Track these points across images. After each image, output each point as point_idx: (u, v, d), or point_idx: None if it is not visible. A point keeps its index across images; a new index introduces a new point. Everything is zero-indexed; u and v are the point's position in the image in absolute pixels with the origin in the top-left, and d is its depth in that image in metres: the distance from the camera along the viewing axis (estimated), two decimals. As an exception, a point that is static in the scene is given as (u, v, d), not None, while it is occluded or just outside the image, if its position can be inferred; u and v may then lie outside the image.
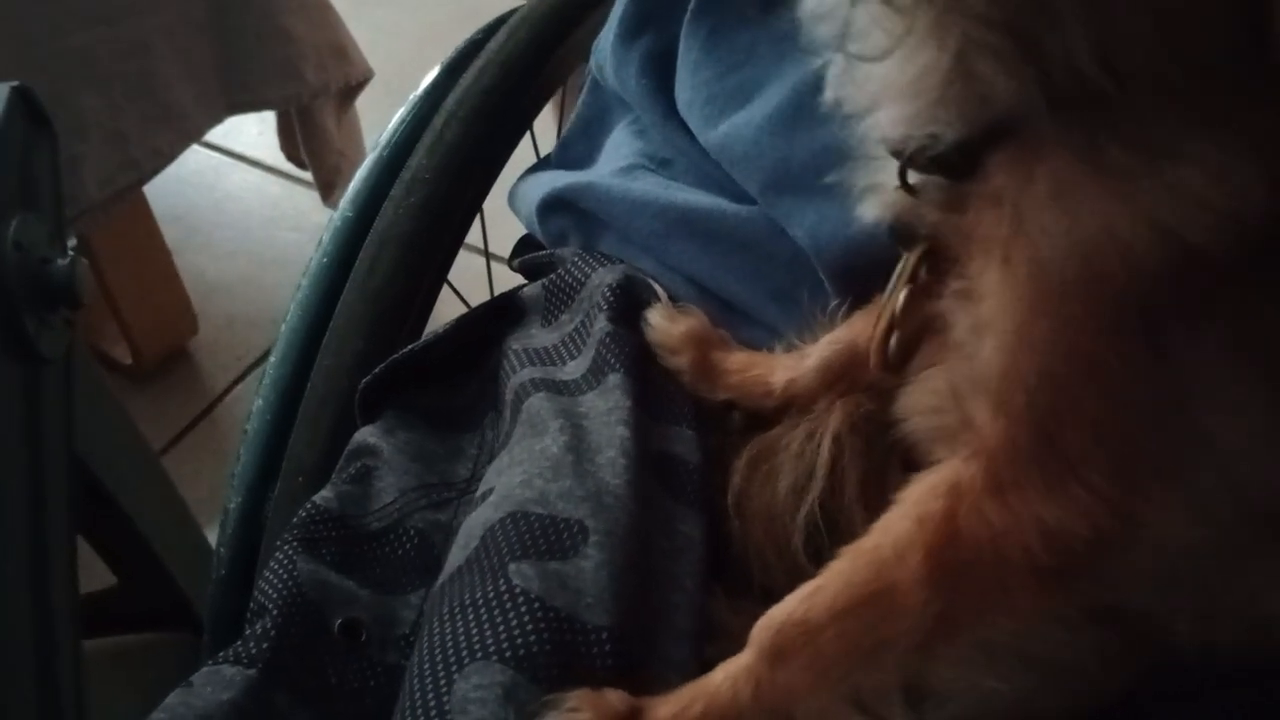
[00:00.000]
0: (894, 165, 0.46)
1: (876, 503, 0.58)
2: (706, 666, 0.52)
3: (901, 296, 0.48)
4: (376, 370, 0.66)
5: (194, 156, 1.40)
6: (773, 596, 0.57)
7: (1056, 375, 0.42)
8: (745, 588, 0.58)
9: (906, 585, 0.45)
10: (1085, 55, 0.37)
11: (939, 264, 0.47)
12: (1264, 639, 0.50)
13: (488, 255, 0.94)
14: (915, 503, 0.46)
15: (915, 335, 0.51)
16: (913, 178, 0.45)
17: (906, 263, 0.48)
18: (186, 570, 0.95)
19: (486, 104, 0.77)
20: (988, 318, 0.43)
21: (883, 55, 0.42)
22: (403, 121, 0.80)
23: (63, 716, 0.66)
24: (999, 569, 0.44)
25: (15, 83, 0.71)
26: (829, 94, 0.48)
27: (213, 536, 0.97)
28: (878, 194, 0.48)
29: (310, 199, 1.63)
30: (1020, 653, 0.50)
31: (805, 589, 0.48)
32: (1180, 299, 0.40)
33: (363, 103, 1.55)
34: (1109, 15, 0.37)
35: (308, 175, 1.57)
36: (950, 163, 0.43)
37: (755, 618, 0.51)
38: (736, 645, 0.51)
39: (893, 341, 0.48)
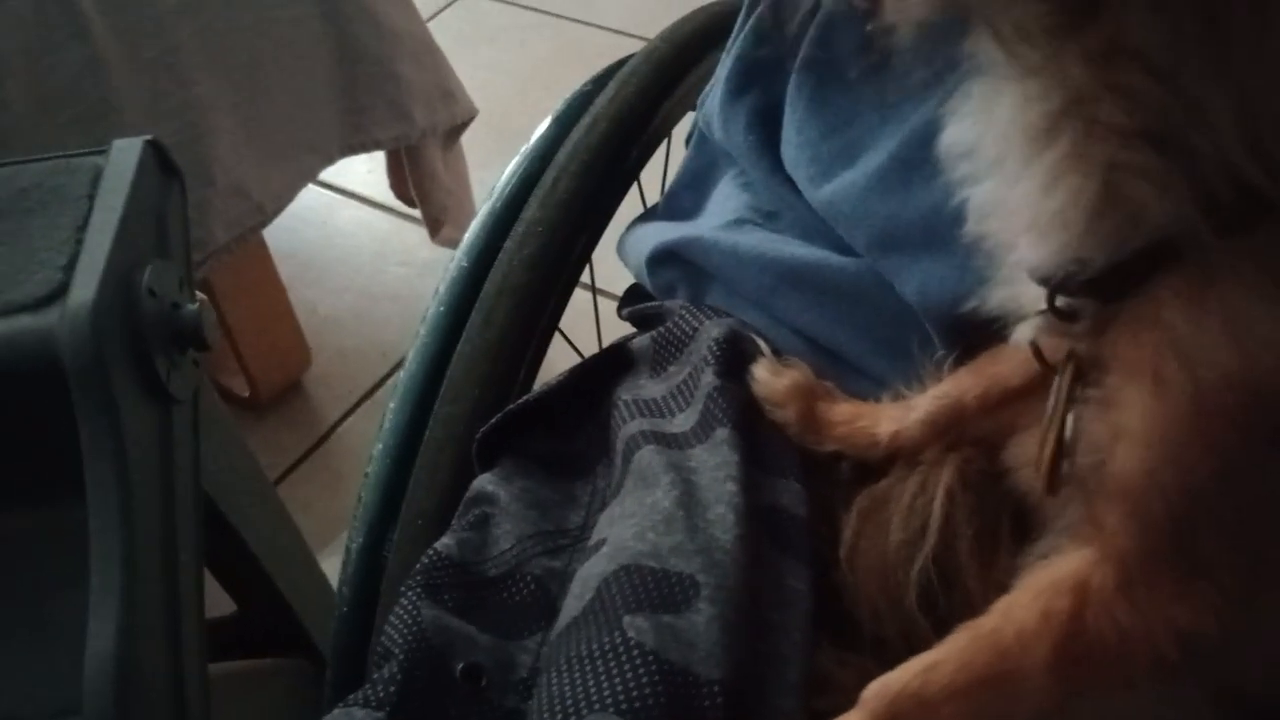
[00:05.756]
0: (1030, 285, 0.46)
1: (990, 560, 0.59)
2: (813, 718, 0.52)
3: (1070, 421, 0.47)
4: (493, 420, 0.68)
5: (306, 194, 1.44)
6: (884, 646, 0.58)
7: (1200, 489, 0.42)
8: (853, 639, 0.59)
9: (1028, 673, 0.46)
10: (1238, 146, 0.36)
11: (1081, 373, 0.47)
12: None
13: (595, 293, 0.96)
14: (1040, 595, 0.47)
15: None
16: (1060, 301, 0.45)
17: (1062, 382, 0.47)
18: (302, 598, 0.98)
19: (597, 158, 0.79)
20: (1128, 429, 0.43)
21: (1025, 189, 0.41)
22: (514, 174, 0.82)
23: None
24: (1124, 663, 0.45)
25: (148, 136, 0.75)
26: (970, 226, 0.48)
27: (324, 564, 1.00)
28: (1021, 315, 0.49)
29: (417, 235, 1.68)
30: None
31: (921, 661, 0.49)
32: None
33: (466, 139, 1.59)
34: (1259, 104, 0.36)
35: (415, 212, 1.61)
36: (1099, 287, 0.43)
37: (861, 670, 0.52)
38: (843, 697, 0.52)
39: (1065, 467, 0.47)
